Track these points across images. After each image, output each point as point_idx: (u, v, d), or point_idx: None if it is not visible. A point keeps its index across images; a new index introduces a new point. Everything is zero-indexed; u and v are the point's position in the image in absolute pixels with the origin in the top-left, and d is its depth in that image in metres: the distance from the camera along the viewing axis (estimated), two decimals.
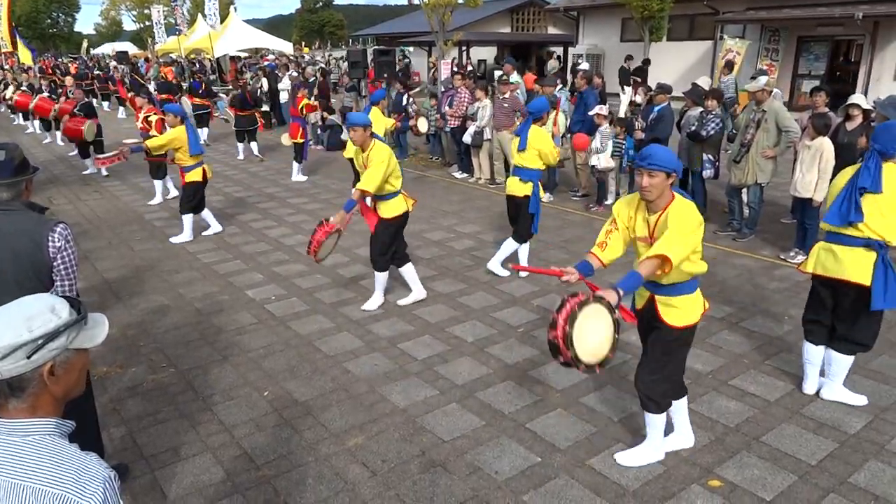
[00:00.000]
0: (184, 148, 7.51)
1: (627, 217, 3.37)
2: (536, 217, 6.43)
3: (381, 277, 5.85)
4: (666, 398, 3.53)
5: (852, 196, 3.85)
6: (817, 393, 4.31)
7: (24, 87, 16.48)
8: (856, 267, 3.85)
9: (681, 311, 3.35)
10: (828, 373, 4.25)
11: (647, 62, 18.19)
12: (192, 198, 7.84)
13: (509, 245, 6.50)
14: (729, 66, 14.35)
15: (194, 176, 7.72)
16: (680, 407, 3.68)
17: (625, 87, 9.18)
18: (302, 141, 11.47)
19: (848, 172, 4.01)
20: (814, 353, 4.26)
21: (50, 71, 27.02)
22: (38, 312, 1.47)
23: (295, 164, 11.65)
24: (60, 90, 14.81)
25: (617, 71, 18.96)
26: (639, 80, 14.30)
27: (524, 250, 6.59)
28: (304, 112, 11.80)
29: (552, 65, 24.26)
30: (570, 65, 22.99)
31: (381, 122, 9.05)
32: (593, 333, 2.84)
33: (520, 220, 6.42)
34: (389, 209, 5.59)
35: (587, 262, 3.32)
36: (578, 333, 2.76)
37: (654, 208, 3.22)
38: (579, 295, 2.82)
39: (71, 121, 11.11)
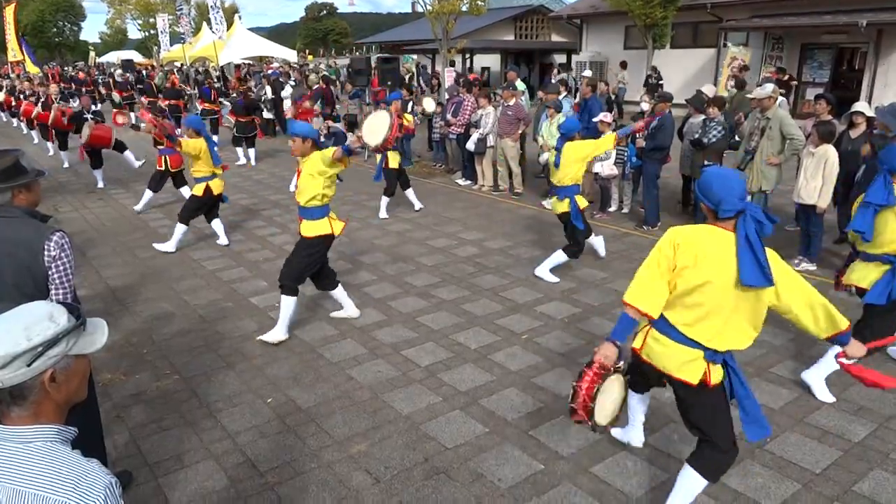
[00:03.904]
0: (205, 159, 7.57)
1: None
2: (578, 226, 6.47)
3: (287, 304, 5.24)
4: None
5: None
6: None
7: (26, 95, 16.60)
8: None
9: None
10: None
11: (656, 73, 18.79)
12: (190, 209, 7.80)
13: (558, 256, 6.64)
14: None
15: (196, 190, 7.74)
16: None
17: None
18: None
19: None
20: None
21: (58, 79, 27.15)
22: (36, 320, 1.48)
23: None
24: (79, 96, 14.94)
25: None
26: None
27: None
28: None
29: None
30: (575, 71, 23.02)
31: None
32: (609, 400, 3.18)
33: (568, 235, 6.64)
34: (311, 228, 5.28)
35: None
36: (599, 405, 3.05)
37: None
38: (594, 366, 3.01)
39: (97, 127, 10.73)
